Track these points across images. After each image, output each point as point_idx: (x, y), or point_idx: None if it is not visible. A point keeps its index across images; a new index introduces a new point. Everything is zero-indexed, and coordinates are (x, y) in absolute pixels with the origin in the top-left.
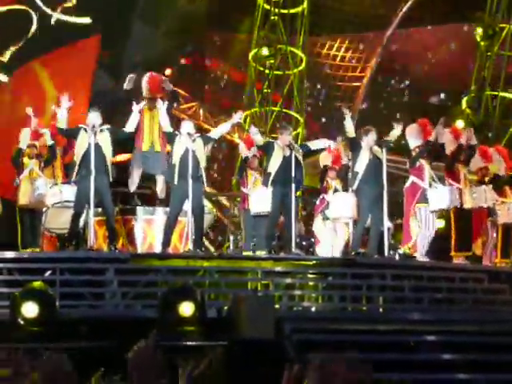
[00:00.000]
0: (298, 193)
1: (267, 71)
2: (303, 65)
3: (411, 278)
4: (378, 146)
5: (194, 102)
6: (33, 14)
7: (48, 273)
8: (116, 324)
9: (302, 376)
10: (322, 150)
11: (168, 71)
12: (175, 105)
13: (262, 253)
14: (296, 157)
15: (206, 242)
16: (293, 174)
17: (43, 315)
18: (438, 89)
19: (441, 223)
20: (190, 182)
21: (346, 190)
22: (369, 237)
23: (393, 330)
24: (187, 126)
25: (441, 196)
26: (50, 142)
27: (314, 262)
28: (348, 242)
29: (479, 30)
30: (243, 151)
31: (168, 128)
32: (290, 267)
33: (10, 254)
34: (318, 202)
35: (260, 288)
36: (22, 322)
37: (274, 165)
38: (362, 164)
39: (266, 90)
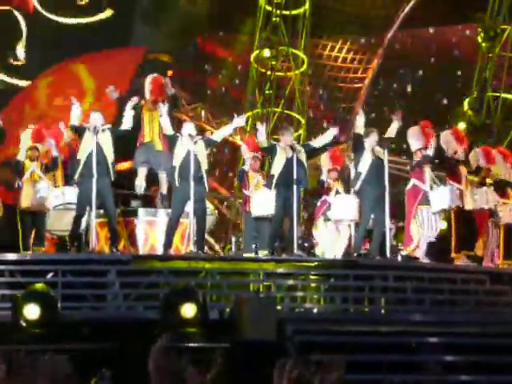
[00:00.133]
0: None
1: (269, 73)
2: (305, 66)
3: (413, 280)
4: (380, 146)
5: (196, 103)
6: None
7: (50, 275)
8: (118, 326)
9: (297, 373)
10: (326, 148)
11: (169, 72)
12: (175, 108)
13: (264, 253)
14: (298, 158)
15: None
16: (295, 176)
17: (45, 317)
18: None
19: (443, 224)
20: (192, 183)
21: (347, 191)
22: (372, 238)
23: (395, 332)
24: (189, 128)
25: (441, 196)
26: (55, 154)
27: (316, 263)
28: (350, 243)
29: (480, 32)
30: (245, 153)
31: (169, 131)
32: (291, 269)
33: (11, 256)
34: (318, 204)
35: (262, 289)
36: (23, 324)
37: (277, 167)
38: (365, 164)
39: (267, 92)
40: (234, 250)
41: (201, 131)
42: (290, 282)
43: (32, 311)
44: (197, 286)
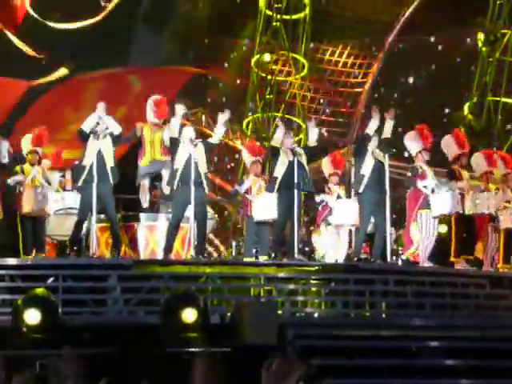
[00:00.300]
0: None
1: (269, 77)
2: (305, 71)
3: (413, 284)
4: (380, 150)
5: (196, 107)
6: None
7: (50, 279)
8: (119, 330)
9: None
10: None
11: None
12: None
13: (264, 258)
14: (299, 161)
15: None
16: (296, 180)
17: (46, 322)
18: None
19: (443, 228)
20: (193, 188)
21: (348, 196)
22: (374, 243)
23: (395, 336)
24: (189, 132)
25: (442, 201)
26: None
27: (317, 267)
28: (350, 248)
29: (481, 36)
30: (246, 158)
31: (175, 134)
32: (292, 273)
33: (12, 261)
34: (320, 209)
35: (263, 294)
36: (24, 329)
37: (280, 170)
38: (367, 168)
39: (268, 96)
40: (234, 254)
41: (201, 136)
42: (291, 286)
43: (32, 316)
44: (197, 290)
